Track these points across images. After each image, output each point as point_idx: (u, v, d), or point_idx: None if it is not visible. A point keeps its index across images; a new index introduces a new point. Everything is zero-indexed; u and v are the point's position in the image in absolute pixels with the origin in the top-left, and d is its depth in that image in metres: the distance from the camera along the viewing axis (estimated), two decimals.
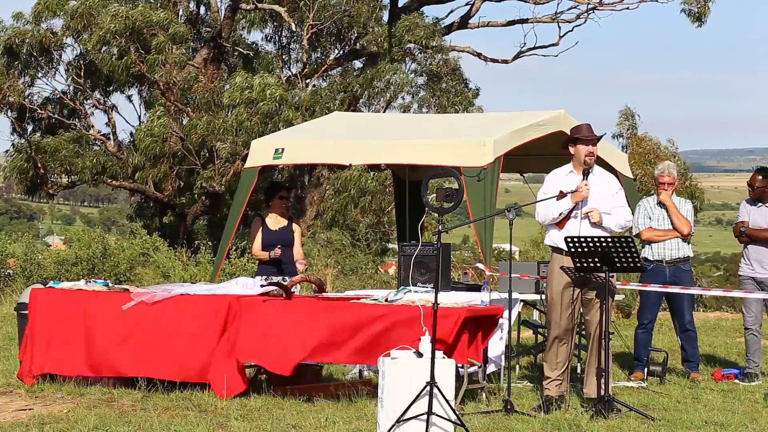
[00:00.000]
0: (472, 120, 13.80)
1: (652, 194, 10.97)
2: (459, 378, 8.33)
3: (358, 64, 27.68)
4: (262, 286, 9.49)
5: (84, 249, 20.71)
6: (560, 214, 8.72)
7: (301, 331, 8.79)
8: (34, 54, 25.23)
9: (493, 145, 9.98)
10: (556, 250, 8.80)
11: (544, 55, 28.61)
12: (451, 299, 8.87)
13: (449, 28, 28.07)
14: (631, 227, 10.14)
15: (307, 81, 26.13)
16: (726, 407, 8.88)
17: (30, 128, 26.54)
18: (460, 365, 8.42)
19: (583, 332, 9.61)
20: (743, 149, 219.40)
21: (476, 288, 9.88)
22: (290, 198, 11.10)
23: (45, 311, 9.50)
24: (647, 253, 10.50)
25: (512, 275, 9.25)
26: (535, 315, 12.75)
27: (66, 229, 32.61)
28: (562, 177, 8.85)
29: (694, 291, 11.27)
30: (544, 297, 9.65)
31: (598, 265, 8.48)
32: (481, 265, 10.36)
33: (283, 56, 28.59)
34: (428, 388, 7.28)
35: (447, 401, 7.34)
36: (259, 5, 25.55)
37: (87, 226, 33.48)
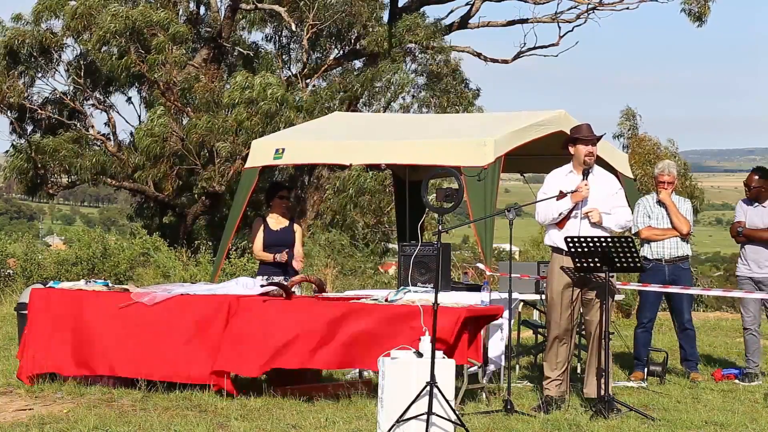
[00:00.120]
0: (472, 120, 13.80)
1: (651, 192, 10.97)
2: (459, 378, 8.33)
3: (358, 64, 27.70)
4: (262, 286, 9.49)
5: (84, 249, 20.71)
6: (560, 214, 8.73)
7: (301, 331, 8.79)
8: (34, 54, 25.23)
9: (493, 145, 9.98)
10: (556, 250, 8.80)
11: (544, 55, 28.67)
12: (451, 299, 8.87)
13: (449, 28, 28.08)
14: (631, 226, 10.14)
15: (307, 81, 26.13)
16: (726, 407, 8.88)
17: (30, 128, 26.54)
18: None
19: (583, 332, 9.61)
20: (743, 149, 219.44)
21: (476, 288, 9.88)
22: (291, 198, 11.08)
23: (45, 311, 9.50)
24: (646, 251, 10.51)
25: (512, 275, 9.25)
26: (535, 315, 12.75)
27: (66, 229, 32.60)
28: (562, 177, 8.85)
29: (694, 291, 11.27)
30: (544, 297, 9.65)
31: (598, 265, 8.48)
32: (481, 265, 10.36)
33: (283, 56, 28.59)
34: (428, 388, 7.28)
35: (447, 401, 7.34)
36: (259, 5, 25.55)
37: (87, 226, 33.48)
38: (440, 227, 7.95)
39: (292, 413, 8.18)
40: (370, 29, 26.25)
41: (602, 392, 8.43)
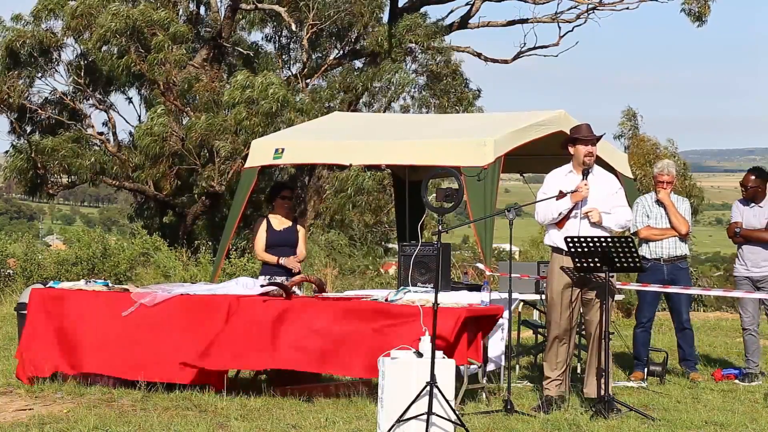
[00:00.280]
0: (472, 120, 13.80)
1: (650, 192, 10.97)
2: (459, 378, 8.33)
3: (358, 64, 27.70)
4: (262, 286, 9.48)
5: (84, 249, 20.71)
6: (560, 214, 8.73)
7: (300, 332, 8.80)
8: (34, 54, 25.22)
9: (493, 145, 9.98)
10: (556, 250, 8.80)
11: (544, 55, 28.66)
12: (451, 299, 8.87)
13: (449, 28, 28.08)
14: (630, 225, 10.15)
15: (307, 81, 26.13)
16: (726, 407, 8.88)
17: (30, 128, 26.53)
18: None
19: (583, 332, 9.61)
20: (743, 149, 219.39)
21: (476, 288, 9.88)
22: (293, 198, 11.05)
23: (45, 311, 9.50)
24: (645, 251, 10.51)
25: (512, 275, 9.25)
26: (535, 315, 12.75)
27: (66, 229, 32.60)
28: (562, 177, 8.85)
29: (694, 291, 11.28)
30: (544, 297, 9.65)
31: (598, 265, 8.48)
32: (481, 265, 10.36)
33: (283, 56, 28.60)
34: (428, 388, 7.28)
35: (447, 401, 7.34)
36: (259, 5, 25.54)
37: (87, 226, 33.47)
38: (440, 227, 7.95)
39: (292, 413, 8.18)
40: (371, 29, 26.25)
41: (602, 392, 8.43)
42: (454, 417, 7.36)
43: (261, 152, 11.19)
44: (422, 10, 27.75)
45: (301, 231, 10.73)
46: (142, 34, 24.18)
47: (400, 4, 27.45)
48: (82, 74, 25.76)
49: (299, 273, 10.36)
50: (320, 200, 26.19)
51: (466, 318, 8.39)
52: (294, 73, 27.42)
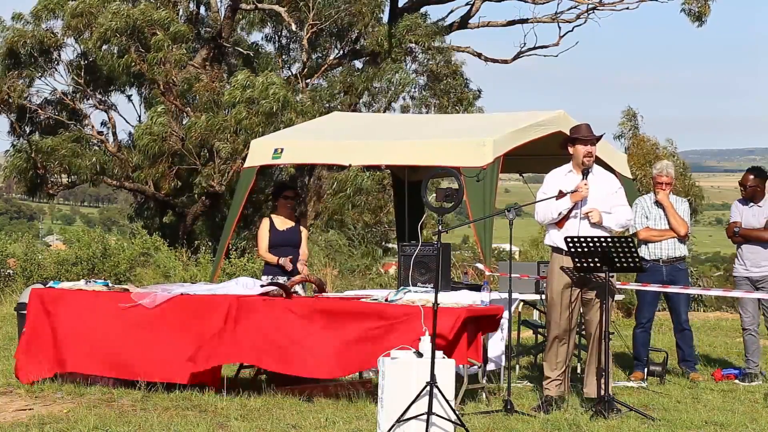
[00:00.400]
0: (471, 120, 13.81)
1: (649, 192, 10.97)
2: (459, 378, 8.33)
3: (358, 64, 27.70)
4: (262, 286, 9.49)
5: (84, 249, 20.70)
6: (559, 214, 8.72)
7: (300, 332, 8.80)
8: (35, 54, 25.22)
9: (492, 145, 9.98)
10: (556, 250, 8.80)
11: (544, 55, 28.68)
12: (451, 299, 8.87)
13: (449, 28, 28.09)
14: (631, 225, 10.15)
15: (307, 81, 26.12)
16: (726, 407, 8.88)
17: (30, 128, 26.53)
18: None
19: (583, 332, 9.61)
20: (743, 149, 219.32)
21: (476, 288, 9.89)
22: (296, 198, 11.04)
23: (45, 311, 9.50)
24: (644, 252, 10.51)
25: (512, 275, 9.25)
26: (535, 315, 12.75)
27: (66, 229, 32.58)
28: (562, 177, 8.86)
29: (694, 291, 11.29)
30: (544, 297, 9.65)
31: (598, 265, 8.48)
32: (480, 265, 10.36)
33: (283, 56, 28.59)
34: (428, 388, 7.28)
35: (447, 401, 7.34)
36: (259, 5, 25.55)
37: (87, 226, 33.43)
38: (440, 227, 7.95)
39: (292, 413, 8.18)
40: (371, 29, 26.24)
41: (602, 392, 8.43)
42: (454, 417, 7.36)
43: (260, 152, 11.19)
44: (422, 10, 27.76)
45: (303, 232, 10.73)
46: (142, 34, 24.18)
47: (400, 4, 27.45)
48: (82, 74, 25.76)
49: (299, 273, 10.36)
50: (320, 200, 26.19)
51: (466, 318, 8.39)
52: (294, 73, 27.42)
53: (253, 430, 7.66)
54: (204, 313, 9.05)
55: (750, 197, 10.65)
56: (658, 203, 10.65)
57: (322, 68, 27.00)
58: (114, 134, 27.07)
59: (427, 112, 27.39)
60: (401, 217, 12.57)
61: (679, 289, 10.43)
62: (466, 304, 8.75)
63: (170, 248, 22.22)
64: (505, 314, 9.02)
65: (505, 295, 9.04)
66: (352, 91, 26.50)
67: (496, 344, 9.62)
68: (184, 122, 25.09)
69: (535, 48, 28.15)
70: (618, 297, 10.84)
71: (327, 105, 25.59)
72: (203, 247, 22.76)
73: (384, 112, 26.74)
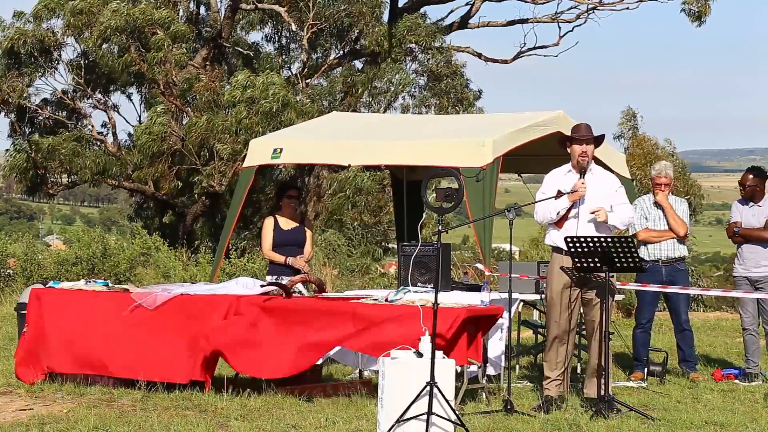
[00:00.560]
0: (471, 120, 13.81)
1: (648, 193, 10.98)
2: (459, 378, 8.33)
3: (358, 64, 27.70)
4: (262, 285, 9.49)
5: (84, 249, 20.70)
6: (558, 214, 8.72)
7: (300, 332, 8.81)
8: (35, 54, 25.22)
9: (492, 145, 9.98)
10: (556, 249, 8.80)
11: (544, 55, 28.67)
12: (451, 299, 8.87)
13: (449, 28, 28.09)
14: (634, 223, 10.15)
15: (307, 81, 26.12)
16: (726, 407, 8.88)
17: (30, 128, 26.52)
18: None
19: (583, 332, 9.61)
20: (743, 149, 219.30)
21: (476, 288, 9.89)
22: (299, 198, 11.03)
23: (45, 311, 9.50)
24: (643, 253, 10.51)
25: (512, 275, 9.25)
26: (535, 315, 12.75)
27: (66, 229, 32.57)
28: (561, 177, 8.86)
29: (693, 291, 11.29)
30: (544, 297, 9.65)
31: (598, 265, 8.48)
32: (480, 265, 10.36)
33: (283, 56, 28.59)
34: (428, 388, 7.28)
35: (447, 401, 7.35)
36: (259, 5, 25.54)
37: (87, 226, 33.42)
38: (440, 227, 7.96)
39: (292, 413, 8.19)
40: (371, 29, 26.24)
41: (602, 392, 8.43)
42: (454, 417, 7.36)
43: (259, 152, 11.20)
44: (422, 10, 27.75)
45: (308, 232, 10.72)
46: (142, 33, 24.18)
47: (400, 4, 27.45)
48: (82, 73, 25.76)
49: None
50: (320, 200, 26.18)
51: (466, 318, 8.39)
52: (294, 73, 27.42)
53: (253, 430, 7.67)
54: (204, 313, 9.06)
55: (749, 197, 10.65)
56: (657, 204, 10.65)
57: (322, 68, 27.00)
58: (114, 134, 27.07)
59: (427, 112, 27.39)
60: (400, 217, 12.57)
61: (679, 289, 10.44)
62: (466, 304, 8.76)
63: (170, 248, 22.22)
64: (505, 314, 9.02)
65: (505, 295, 9.04)
66: (352, 92, 26.50)
67: (496, 344, 9.62)
68: (184, 122, 25.10)
69: (535, 48, 28.16)
70: (618, 297, 10.84)
71: (327, 105, 25.58)
72: (203, 247, 22.76)
73: (384, 112, 26.74)
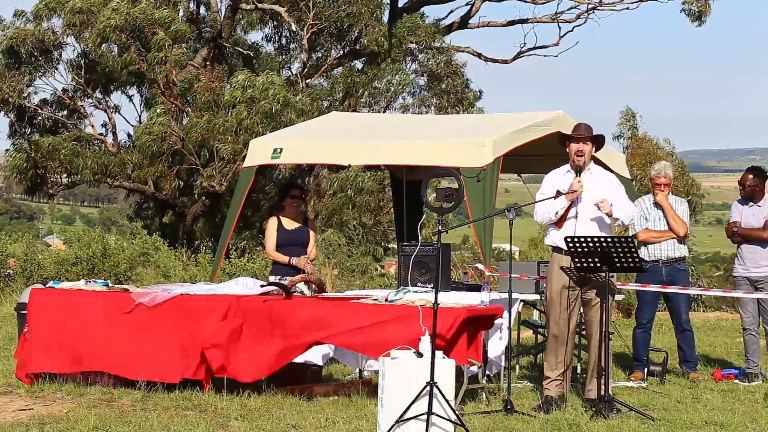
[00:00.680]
0: (471, 120, 13.80)
1: (648, 193, 10.97)
2: (459, 378, 8.33)
3: (358, 64, 27.70)
4: (262, 286, 9.49)
5: (84, 249, 20.70)
6: (556, 214, 8.72)
7: (300, 331, 8.82)
8: (35, 53, 25.22)
9: (492, 145, 9.98)
10: (556, 249, 8.80)
11: (544, 55, 28.68)
12: (451, 299, 8.87)
13: (449, 28, 28.08)
14: (628, 227, 10.15)
15: (307, 81, 26.12)
16: (726, 407, 8.88)
17: (30, 128, 26.52)
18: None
19: (583, 332, 9.61)
20: (743, 149, 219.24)
21: (476, 288, 9.89)
22: (303, 197, 11.01)
23: (45, 311, 9.50)
24: (643, 253, 10.51)
25: (512, 275, 9.25)
26: (535, 315, 12.75)
27: (66, 229, 32.57)
28: (560, 177, 8.86)
29: (693, 291, 11.28)
30: (544, 297, 9.65)
31: (598, 265, 8.47)
32: (480, 266, 10.36)
33: (283, 56, 28.59)
34: (428, 388, 7.28)
35: (447, 401, 7.35)
36: (259, 5, 25.54)
37: (87, 226, 33.41)
38: (440, 227, 7.96)
39: (292, 413, 8.18)
40: (371, 29, 26.24)
41: (602, 392, 8.43)
42: (454, 417, 7.36)
43: (259, 152, 11.19)
44: (422, 10, 27.74)
45: (311, 232, 10.71)
46: (142, 33, 24.18)
47: (400, 4, 27.45)
48: (83, 73, 25.76)
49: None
50: (320, 200, 26.18)
51: (466, 318, 8.39)
52: (294, 73, 27.42)
53: (253, 430, 7.67)
54: (204, 313, 9.06)
55: (749, 197, 10.65)
56: (657, 204, 10.65)
57: (322, 68, 27.00)
58: (114, 134, 27.08)
59: (427, 113, 27.38)
60: (400, 217, 12.57)
61: (679, 289, 10.44)
62: (466, 304, 8.76)
63: (170, 248, 22.22)
64: (505, 314, 9.02)
65: (505, 295, 9.04)
66: (352, 92, 26.50)
67: (496, 344, 9.62)
68: (184, 122, 25.10)
69: (535, 48, 28.16)
70: (618, 297, 10.84)
71: (326, 105, 25.57)
72: (203, 247, 22.76)
73: (384, 112, 26.74)
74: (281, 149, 11.01)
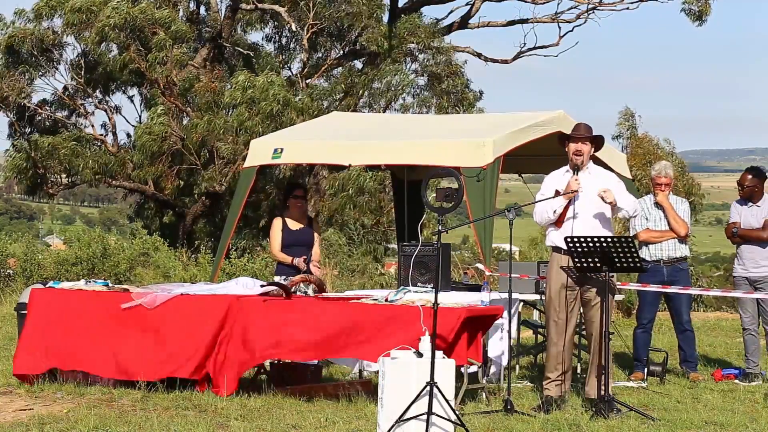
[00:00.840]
0: (471, 120, 13.81)
1: (649, 193, 10.97)
2: (459, 378, 8.33)
3: (358, 64, 27.71)
4: (262, 286, 9.49)
5: (84, 249, 20.70)
6: (555, 212, 8.71)
7: (301, 331, 8.81)
8: (35, 53, 25.22)
9: (492, 145, 9.98)
10: (556, 249, 8.79)
11: (544, 55, 28.69)
12: (451, 299, 8.87)
13: (449, 28, 28.09)
14: (629, 227, 10.14)
15: (307, 81, 26.13)
16: (726, 407, 8.88)
17: (30, 127, 26.52)
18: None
19: (583, 332, 9.60)
20: (743, 149, 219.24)
21: (476, 288, 9.88)
22: (306, 197, 11.00)
23: (45, 311, 9.50)
24: (644, 253, 10.50)
25: (512, 275, 9.24)
26: (535, 315, 12.75)
27: (66, 229, 32.57)
28: (559, 177, 8.86)
29: (694, 291, 11.28)
30: (544, 297, 9.65)
31: (598, 265, 8.47)
32: (480, 266, 10.36)
33: (283, 56, 28.59)
34: (428, 388, 7.28)
35: (447, 401, 7.35)
36: (259, 5, 25.54)
37: (87, 226, 33.41)
38: (440, 227, 7.96)
39: (292, 413, 8.18)
40: (371, 29, 26.24)
41: (602, 392, 8.43)
42: (454, 417, 7.36)
43: (260, 152, 11.19)
44: (422, 10, 27.76)
45: (316, 234, 10.70)
46: (142, 33, 24.18)
47: (400, 4, 27.45)
48: (83, 73, 25.77)
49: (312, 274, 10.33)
50: (321, 200, 26.18)
51: (466, 318, 8.39)
52: (294, 73, 27.42)
53: (253, 430, 7.67)
54: (204, 313, 9.06)
55: (747, 197, 10.65)
56: (658, 204, 10.65)
57: (322, 68, 27.00)
58: (114, 134, 27.08)
59: (427, 113, 27.38)
60: (401, 217, 12.57)
61: (679, 289, 10.43)
62: (466, 304, 8.76)
63: (170, 248, 22.22)
64: (505, 314, 9.02)
65: (505, 295, 9.04)
66: (352, 92, 26.50)
67: (496, 344, 9.62)
68: (184, 122, 25.10)
69: (535, 48, 28.17)
70: (618, 297, 10.84)
71: (326, 105, 25.57)
72: (203, 247, 22.76)
73: (383, 112, 26.74)
74: (282, 149, 11.01)
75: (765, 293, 10.45)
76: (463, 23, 28.22)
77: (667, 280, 10.49)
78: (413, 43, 26.30)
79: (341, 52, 27.90)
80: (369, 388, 8.91)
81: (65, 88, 26.29)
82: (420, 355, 7.50)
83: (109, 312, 9.29)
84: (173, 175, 25.29)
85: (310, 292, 10.07)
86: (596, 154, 9.05)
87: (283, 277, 10.25)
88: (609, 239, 8.42)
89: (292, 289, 9.44)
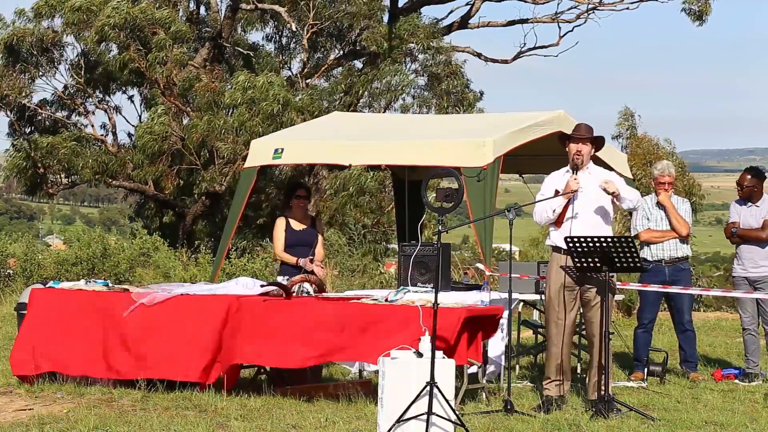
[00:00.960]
0: (471, 120, 13.81)
1: (650, 194, 10.97)
2: (459, 378, 8.33)
3: (358, 64, 27.71)
4: (262, 286, 9.48)
5: (84, 249, 20.70)
6: (554, 212, 8.71)
7: (301, 332, 8.81)
8: (35, 53, 25.22)
9: (492, 145, 9.98)
10: (556, 249, 8.79)
11: (544, 55, 28.68)
12: (451, 299, 8.87)
13: (449, 29, 28.09)
14: (630, 227, 10.14)
15: (307, 81, 26.13)
16: (726, 407, 8.88)
17: (30, 127, 26.51)
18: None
19: (583, 332, 9.61)
20: (743, 149, 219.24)
21: (476, 288, 9.88)
22: (309, 197, 10.98)
23: (45, 311, 9.50)
24: (646, 253, 10.51)
25: (512, 275, 9.24)
26: (535, 315, 12.75)
27: (66, 229, 32.57)
28: (559, 177, 8.86)
29: (694, 291, 11.28)
30: (544, 297, 9.65)
31: (598, 264, 8.47)
32: (481, 266, 10.36)
33: (283, 56, 28.59)
34: (428, 388, 7.28)
35: (447, 401, 7.35)
36: (259, 5, 25.54)
37: (87, 226, 33.41)
38: (440, 227, 7.96)
39: (292, 413, 8.19)
40: (371, 29, 26.24)
41: (602, 392, 8.43)
42: (454, 417, 7.36)
43: (260, 152, 11.19)
44: (422, 10, 27.76)
45: (319, 235, 10.69)
46: (142, 32, 24.18)
47: (400, 4, 27.45)
48: (83, 73, 25.76)
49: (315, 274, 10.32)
50: (321, 200, 26.18)
51: (466, 318, 8.39)
52: (294, 73, 27.42)
53: (253, 430, 7.67)
54: (204, 313, 9.06)
55: (747, 197, 10.65)
56: (659, 204, 10.65)
57: (322, 68, 27.00)
58: (114, 134, 27.08)
59: (427, 113, 27.38)
60: (401, 217, 12.57)
61: (679, 289, 10.43)
62: (466, 304, 8.76)
63: (170, 248, 22.21)
64: (505, 314, 9.02)
65: (505, 295, 9.04)
66: (352, 92, 26.50)
67: (496, 344, 9.62)
68: (184, 122, 25.10)
69: (535, 48, 28.16)
70: (618, 297, 10.83)
71: (326, 105, 25.57)
72: (203, 247, 22.74)
73: (383, 112, 26.74)
74: (282, 149, 11.01)
75: (764, 293, 10.45)
76: (463, 23, 28.21)
77: (669, 279, 10.49)
78: (413, 43, 26.30)
79: (341, 52, 27.90)
80: (369, 388, 8.91)
81: (65, 88, 26.29)
82: (420, 355, 7.50)
83: (109, 312, 9.28)
84: (173, 175, 25.29)
85: (311, 291, 10.06)
86: (597, 154, 9.05)
87: (286, 277, 10.24)
88: (609, 239, 8.42)
89: (293, 289, 9.44)
